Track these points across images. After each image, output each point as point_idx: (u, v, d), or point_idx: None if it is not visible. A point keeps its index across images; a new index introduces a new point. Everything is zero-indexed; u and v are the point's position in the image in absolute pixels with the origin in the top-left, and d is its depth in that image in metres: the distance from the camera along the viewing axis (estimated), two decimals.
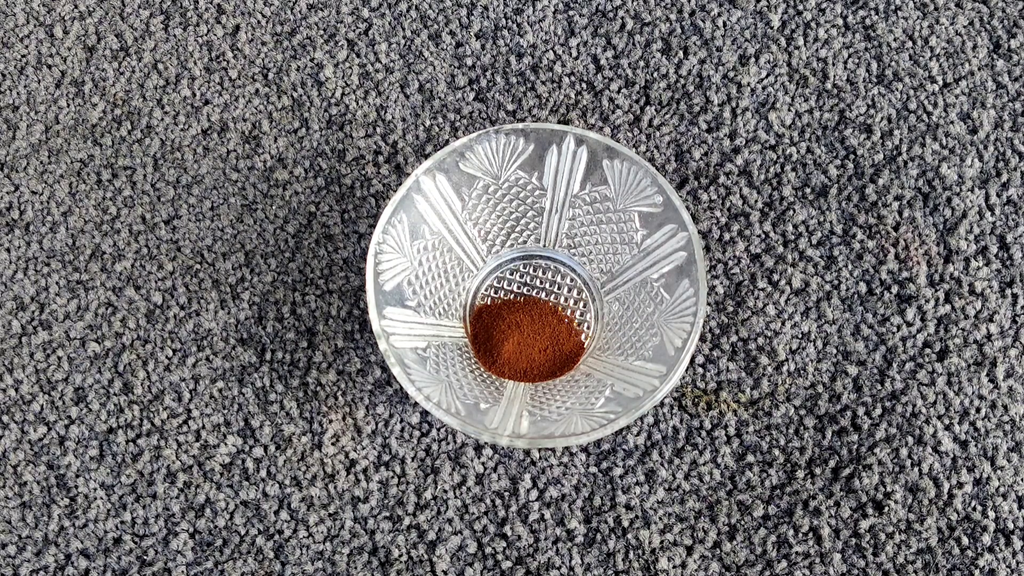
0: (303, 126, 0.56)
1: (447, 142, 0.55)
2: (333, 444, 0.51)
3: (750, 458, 0.51)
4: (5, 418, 0.52)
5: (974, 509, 0.50)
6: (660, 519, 0.50)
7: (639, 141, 0.55)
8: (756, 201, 0.54)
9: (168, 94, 0.57)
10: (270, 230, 0.54)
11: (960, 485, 0.50)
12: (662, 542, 0.50)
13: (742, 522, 0.50)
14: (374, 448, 0.51)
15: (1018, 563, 0.49)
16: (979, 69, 0.57)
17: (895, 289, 0.53)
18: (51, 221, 0.55)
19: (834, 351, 0.52)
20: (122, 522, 0.50)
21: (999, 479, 0.50)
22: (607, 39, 0.57)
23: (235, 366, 0.52)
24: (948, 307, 0.53)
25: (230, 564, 0.50)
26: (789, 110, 0.56)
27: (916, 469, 0.50)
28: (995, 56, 0.57)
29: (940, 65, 0.57)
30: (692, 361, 0.52)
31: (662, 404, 0.51)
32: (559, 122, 0.56)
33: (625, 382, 0.47)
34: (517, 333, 0.51)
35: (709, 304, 0.53)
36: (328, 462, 0.51)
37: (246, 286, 0.53)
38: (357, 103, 0.56)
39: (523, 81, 0.57)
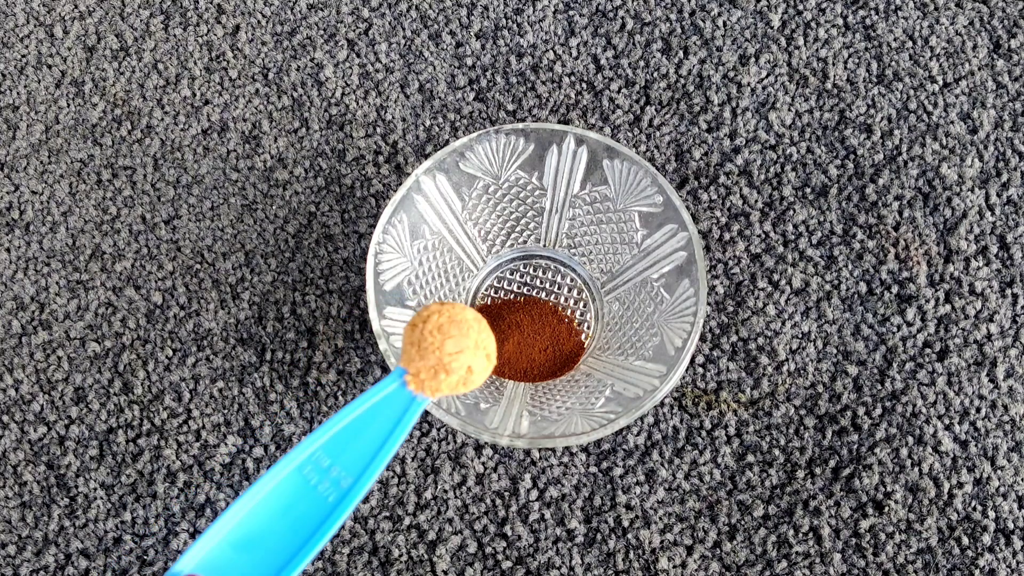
0: (303, 126, 0.56)
1: (447, 142, 0.55)
2: None
3: (750, 458, 0.51)
4: (5, 418, 0.52)
5: (974, 509, 0.50)
6: (660, 519, 0.50)
7: (639, 141, 0.55)
8: (756, 201, 0.54)
9: (168, 94, 0.57)
10: (270, 230, 0.54)
11: (960, 485, 0.50)
12: (662, 542, 0.50)
13: (742, 522, 0.50)
14: None
15: (1018, 563, 0.49)
16: (979, 69, 0.57)
17: (895, 289, 0.53)
18: (51, 221, 0.55)
19: (834, 351, 0.52)
20: (122, 522, 0.50)
21: (999, 479, 0.50)
22: (607, 39, 0.57)
23: (235, 366, 0.52)
24: (948, 307, 0.53)
25: None
26: (789, 110, 0.56)
27: (916, 469, 0.50)
28: (995, 56, 0.57)
29: (940, 65, 0.57)
30: (692, 361, 0.52)
31: (662, 404, 0.51)
32: (559, 122, 0.56)
33: (625, 382, 0.47)
34: (517, 333, 0.51)
35: (709, 304, 0.53)
36: None
37: (246, 286, 0.53)
38: (357, 103, 0.56)
39: (523, 81, 0.57)
